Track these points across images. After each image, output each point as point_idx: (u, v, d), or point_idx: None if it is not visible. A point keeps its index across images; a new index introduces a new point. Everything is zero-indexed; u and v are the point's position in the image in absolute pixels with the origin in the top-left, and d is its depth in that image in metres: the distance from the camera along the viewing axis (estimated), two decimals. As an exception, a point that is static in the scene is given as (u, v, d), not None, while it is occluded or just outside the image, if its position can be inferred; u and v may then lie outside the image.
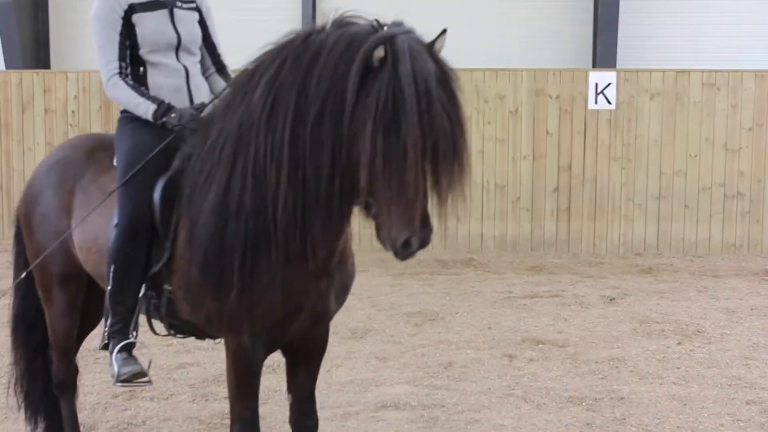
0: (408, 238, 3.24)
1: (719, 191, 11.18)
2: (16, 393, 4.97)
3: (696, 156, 11.17)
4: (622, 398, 6.07)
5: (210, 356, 7.11)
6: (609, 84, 11.12)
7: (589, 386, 6.33)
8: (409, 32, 3.31)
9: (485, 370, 6.75)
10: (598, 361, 6.93)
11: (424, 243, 3.29)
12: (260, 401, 6.06)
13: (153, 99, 4.14)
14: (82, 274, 4.50)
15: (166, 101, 4.14)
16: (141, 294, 4.02)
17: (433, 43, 3.32)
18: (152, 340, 7.63)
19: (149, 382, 4.15)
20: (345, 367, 6.86)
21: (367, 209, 3.39)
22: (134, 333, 4.07)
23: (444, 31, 3.39)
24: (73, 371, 4.80)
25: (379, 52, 3.19)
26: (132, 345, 4.08)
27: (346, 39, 3.32)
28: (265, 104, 3.50)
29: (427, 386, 6.38)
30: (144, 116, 4.12)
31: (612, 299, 9.01)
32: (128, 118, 4.27)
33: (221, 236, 3.65)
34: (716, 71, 11.11)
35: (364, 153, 3.21)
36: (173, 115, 4.06)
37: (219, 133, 3.70)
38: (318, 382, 6.51)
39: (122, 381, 4.03)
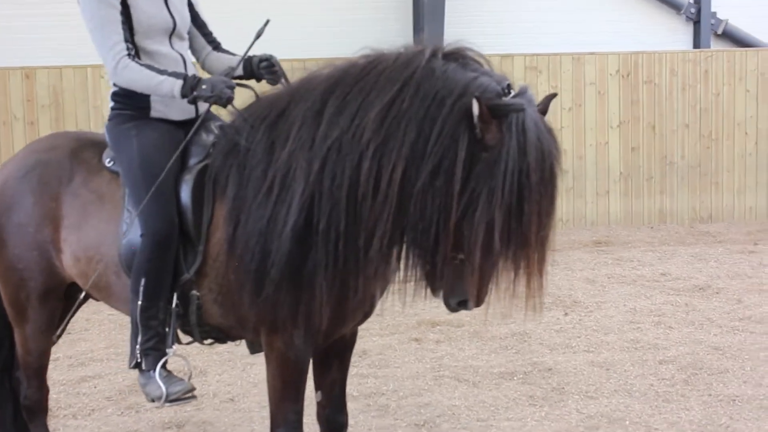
0: (466, 301, 3.39)
1: (545, 169, 11.71)
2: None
3: (522, 136, 11.64)
4: (550, 369, 6.29)
5: (109, 367, 6.72)
6: (439, 70, 11.38)
7: (510, 361, 6.51)
8: (533, 104, 3.27)
9: (401, 355, 6.78)
10: (502, 337, 7.12)
11: (479, 306, 3.43)
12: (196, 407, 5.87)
13: (175, 74, 3.77)
14: (63, 287, 4.12)
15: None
16: (174, 304, 3.74)
17: (546, 110, 3.34)
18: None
19: (194, 397, 3.86)
20: (258, 365, 6.65)
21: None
22: (173, 346, 3.78)
23: (554, 95, 3.41)
24: (45, 392, 4.36)
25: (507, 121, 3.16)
26: (166, 360, 3.80)
27: (473, 90, 3.20)
28: (377, 130, 3.30)
29: (354, 376, 6.30)
30: (169, 94, 3.75)
31: (476, 278, 9.27)
32: (125, 116, 3.91)
33: (303, 254, 3.45)
34: (537, 55, 11.65)
35: (479, 230, 3.17)
36: (204, 86, 3.69)
37: (300, 140, 3.46)
38: (237, 382, 6.39)
39: (171, 401, 3.74)
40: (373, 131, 3.31)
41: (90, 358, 6.92)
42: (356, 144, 3.35)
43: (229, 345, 4.21)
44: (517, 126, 3.15)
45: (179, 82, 3.74)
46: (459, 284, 3.34)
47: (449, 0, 11.97)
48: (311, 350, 3.72)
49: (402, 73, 3.32)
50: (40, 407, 4.38)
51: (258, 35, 3.85)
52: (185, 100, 3.76)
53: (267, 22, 3.86)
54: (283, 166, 3.49)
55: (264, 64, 3.97)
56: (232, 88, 3.74)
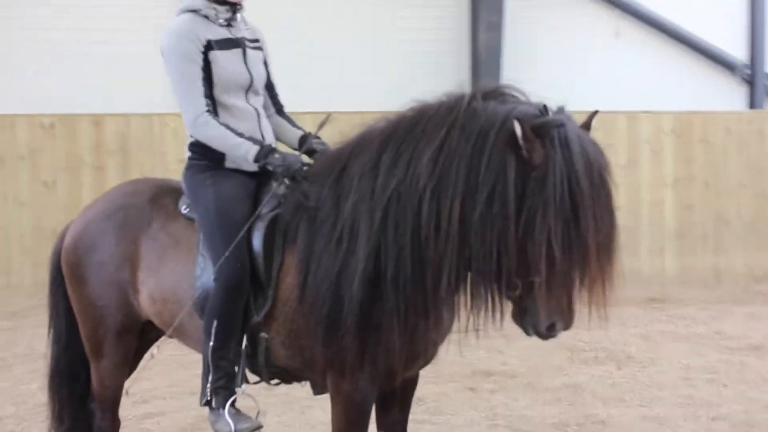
0: (554, 323, 3.43)
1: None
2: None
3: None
4: (603, 421, 6.36)
5: (170, 405, 6.92)
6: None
7: (563, 412, 6.59)
8: (572, 120, 3.40)
9: (456, 403, 6.89)
10: (555, 389, 7.21)
11: (568, 327, 3.47)
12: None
13: (252, 139, 4.06)
14: (139, 325, 4.35)
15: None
16: (243, 346, 3.94)
17: (589, 126, 3.46)
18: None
19: None
20: (316, 408, 6.81)
21: (510, 288, 3.43)
22: (242, 386, 3.97)
23: (596, 112, 3.54)
24: (117, 424, 4.59)
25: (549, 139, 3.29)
26: (235, 398, 3.99)
27: (514, 117, 3.35)
28: (432, 173, 3.50)
29: (410, 422, 6.41)
30: (243, 157, 4.04)
31: (530, 331, 9.35)
32: (201, 166, 4.17)
33: (372, 299, 3.65)
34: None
35: (540, 244, 3.27)
36: (276, 156, 4.00)
37: (360, 193, 3.69)
38: (295, 423, 6.53)
39: None
40: (427, 176, 3.52)
41: (153, 395, 7.11)
42: (414, 190, 3.56)
43: (288, 387, 4.42)
44: (560, 140, 3.30)
45: (255, 148, 4.02)
46: (542, 308, 3.40)
47: (506, 56, 12.20)
48: (376, 392, 3.88)
49: (446, 119, 3.54)
50: (112, 439, 4.58)
51: (320, 126, 4.18)
52: (256, 164, 4.05)
53: (329, 116, 4.20)
54: (349, 217, 3.71)
55: (316, 156, 4.22)
56: (302, 163, 4.01)
